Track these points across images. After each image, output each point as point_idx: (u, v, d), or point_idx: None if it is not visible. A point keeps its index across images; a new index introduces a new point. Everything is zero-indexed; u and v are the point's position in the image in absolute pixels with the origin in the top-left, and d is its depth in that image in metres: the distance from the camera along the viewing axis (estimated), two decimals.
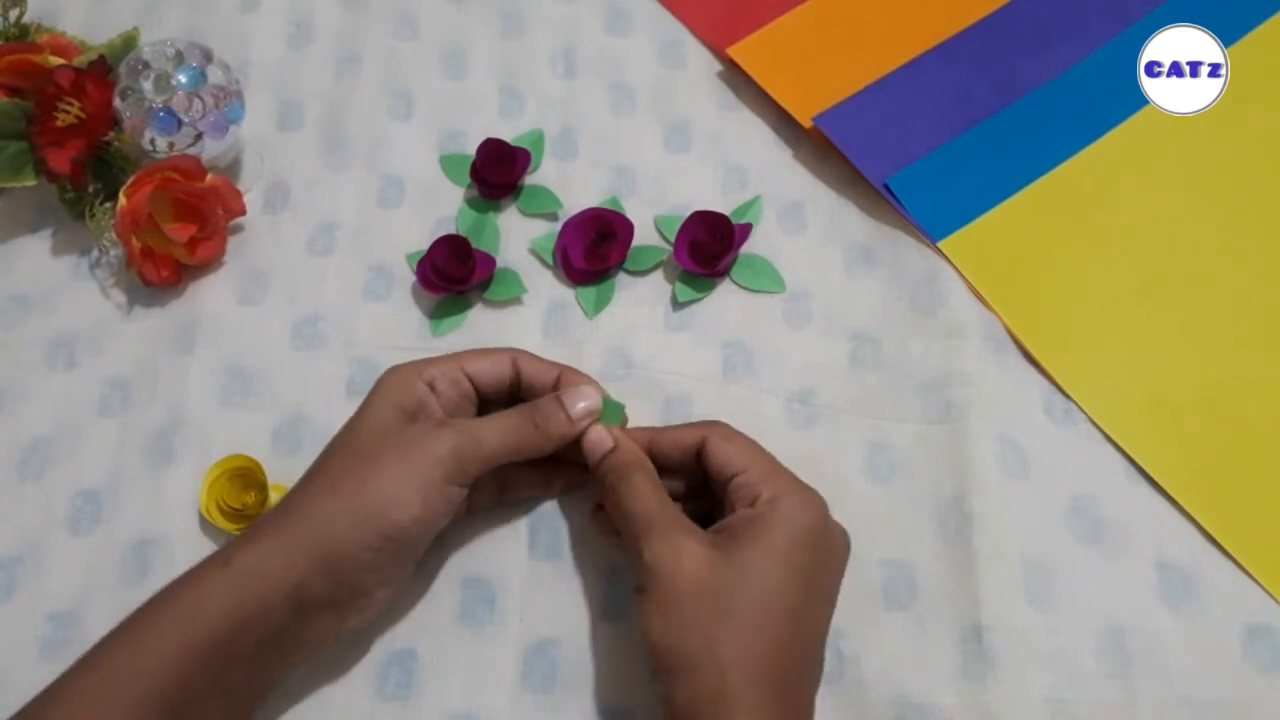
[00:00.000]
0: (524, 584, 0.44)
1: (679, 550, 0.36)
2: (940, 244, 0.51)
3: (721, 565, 0.36)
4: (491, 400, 0.43)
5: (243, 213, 0.53)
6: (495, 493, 0.44)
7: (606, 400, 0.42)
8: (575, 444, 0.41)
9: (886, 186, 0.52)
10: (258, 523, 0.39)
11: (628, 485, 0.39)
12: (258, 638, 0.36)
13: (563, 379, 0.43)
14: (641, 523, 0.38)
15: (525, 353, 0.43)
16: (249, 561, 0.37)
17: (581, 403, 0.41)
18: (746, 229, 0.51)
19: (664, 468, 0.41)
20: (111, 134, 0.52)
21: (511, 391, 0.43)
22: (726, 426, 0.41)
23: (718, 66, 0.59)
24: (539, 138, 0.56)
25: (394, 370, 0.42)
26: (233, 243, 0.53)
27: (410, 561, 0.40)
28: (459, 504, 0.40)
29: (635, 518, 0.38)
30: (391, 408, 0.40)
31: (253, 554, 0.37)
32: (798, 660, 0.36)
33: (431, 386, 0.41)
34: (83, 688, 0.35)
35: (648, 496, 0.39)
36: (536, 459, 0.43)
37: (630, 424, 0.46)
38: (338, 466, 0.39)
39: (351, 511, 0.37)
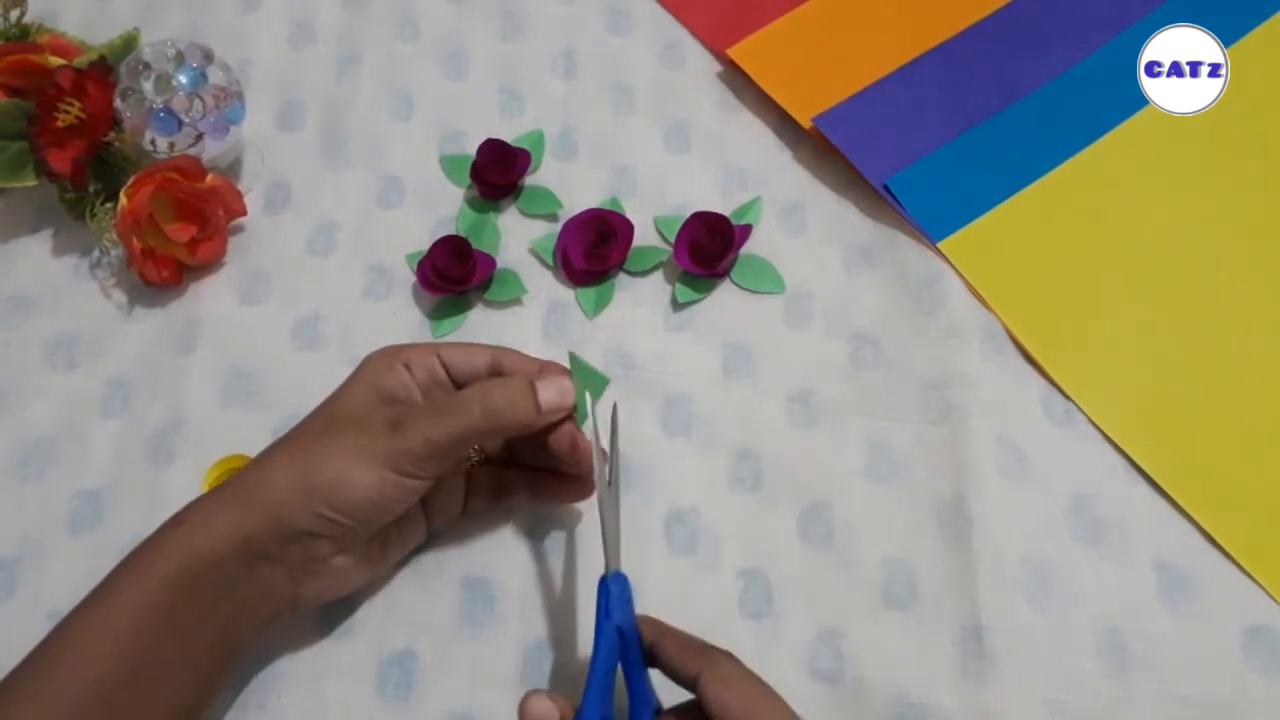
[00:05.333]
0: (524, 584, 0.44)
1: None
2: (940, 244, 0.51)
3: None
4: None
5: (243, 213, 0.54)
6: (490, 498, 0.44)
7: (590, 373, 0.41)
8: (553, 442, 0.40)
9: (886, 187, 0.52)
10: (216, 486, 0.39)
11: None
12: (211, 588, 0.36)
13: (543, 370, 0.41)
14: None
15: (509, 349, 0.43)
16: (200, 516, 0.37)
17: (551, 392, 0.39)
18: (746, 230, 0.51)
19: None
20: (112, 134, 0.52)
21: None
22: (728, 661, 0.35)
23: (718, 67, 0.59)
24: (539, 138, 0.56)
25: (376, 353, 0.42)
26: (233, 243, 0.54)
27: (363, 536, 0.39)
28: (420, 491, 0.39)
29: None
30: (368, 390, 0.40)
31: (205, 510, 0.38)
32: None
33: (407, 368, 0.41)
34: (52, 651, 0.36)
35: None
36: (531, 467, 0.44)
37: (630, 426, 0.46)
38: (301, 440, 0.39)
39: (304, 482, 0.37)
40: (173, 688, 0.36)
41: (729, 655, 0.36)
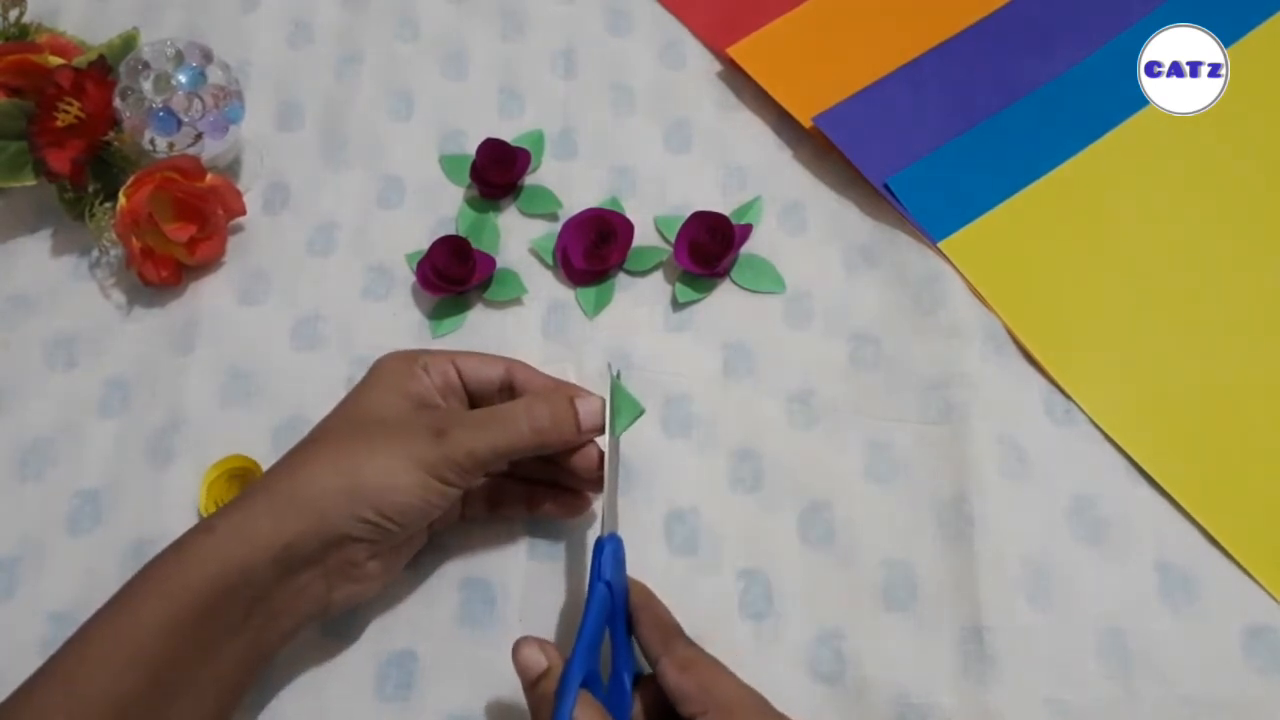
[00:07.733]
0: (523, 585, 0.44)
1: None
2: (940, 244, 0.51)
3: None
4: (481, 402, 0.43)
5: (243, 213, 0.53)
6: (486, 508, 0.44)
7: (628, 399, 0.42)
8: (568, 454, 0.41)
9: (886, 186, 0.52)
10: (244, 491, 0.38)
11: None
12: (244, 600, 0.36)
13: (559, 388, 0.42)
14: None
15: (520, 362, 0.43)
16: (235, 524, 0.36)
17: (592, 412, 0.40)
18: (746, 229, 0.51)
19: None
20: (111, 134, 0.52)
21: (502, 396, 0.43)
22: (689, 647, 0.37)
23: (718, 66, 0.59)
24: (539, 138, 0.56)
25: (390, 357, 0.42)
26: (233, 243, 0.54)
27: (400, 540, 0.39)
28: (456, 498, 0.39)
29: None
30: (395, 394, 0.40)
31: (239, 517, 0.37)
32: None
33: (426, 372, 0.41)
34: (69, 662, 0.34)
35: None
36: (529, 480, 0.44)
37: (632, 427, 0.46)
38: (332, 443, 0.39)
39: (349, 484, 0.37)
40: (196, 700, 0.35)
41: (690, 642, 0.37)
